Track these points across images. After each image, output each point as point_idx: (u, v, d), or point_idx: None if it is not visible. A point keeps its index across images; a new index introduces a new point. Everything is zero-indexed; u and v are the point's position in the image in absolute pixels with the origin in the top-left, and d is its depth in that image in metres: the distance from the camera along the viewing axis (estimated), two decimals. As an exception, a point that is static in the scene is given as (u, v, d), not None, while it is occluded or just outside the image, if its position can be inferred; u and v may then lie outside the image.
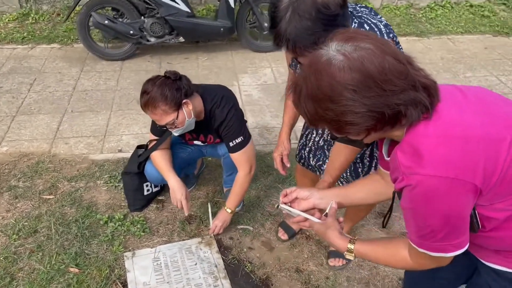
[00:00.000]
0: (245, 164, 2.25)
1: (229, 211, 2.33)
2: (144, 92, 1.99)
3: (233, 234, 2.46)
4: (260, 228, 2.50)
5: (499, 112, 1.00)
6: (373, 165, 1.97)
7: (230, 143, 2.20)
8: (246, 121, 2.38)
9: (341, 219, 1.34)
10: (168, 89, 1.96)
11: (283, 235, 2.43)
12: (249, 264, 2.27)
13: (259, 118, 3.54)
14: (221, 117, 2.16)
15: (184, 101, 2.01)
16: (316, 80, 0.98)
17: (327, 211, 1.36)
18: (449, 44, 4.94)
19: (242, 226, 2.51)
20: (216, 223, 2.34)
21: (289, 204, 1.41)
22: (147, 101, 1.97)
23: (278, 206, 1.44)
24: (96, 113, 3.59)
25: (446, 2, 5.74)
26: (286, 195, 1.42)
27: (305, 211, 1.39)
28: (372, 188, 1.39)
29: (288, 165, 2.08)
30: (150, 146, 2.33)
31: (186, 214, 2.33)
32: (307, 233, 2.48)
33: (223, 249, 2.36)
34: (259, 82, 4.12)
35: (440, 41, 4.99)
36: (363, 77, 0.93)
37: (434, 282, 1.48)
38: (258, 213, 2.61)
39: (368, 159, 1.96)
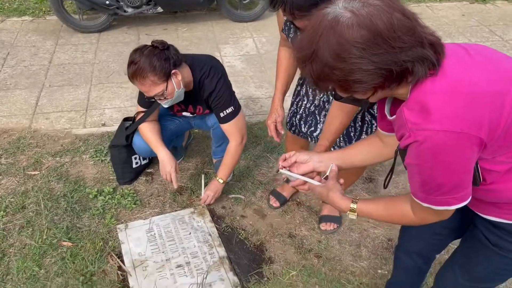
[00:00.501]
0: (237, 134, 2.24)
1: (221, 181, 2.33)
2: (131, 63, 1.93)
3: (225, 204, 2.47)
4: (251, 197, 2.53)
5: (502, 67, 1.02)
6: (364, 130, 1.99)
7: (220, 113, 2.18)
8: (234, 92, 2.36)
9: (341, 181, 1.36)
10: (157, 59, 1.91)
11: (274, 203, 2.46)
12: (242, 232, 2.30)
13: (243, 89, 3.51)
14: (211, 88, 2.14)
15: (173, 71, 1.97)
16: (323, 39, 0.97)
17: (327, 173, 1.37)
18: (428, 12, 4.98)
19: (233, 195, 2.52)
20: (208, 193, 2.35)
21: (288, 168, 1.43)
22: (135, 72, 1.91)
23: (278, 171, 1.45)
24: (76, 87, 3.49)
25: (423, -30, 5.73)
26: (285, 160, 1.42)
27: (304, 174, 1.40)
28: (371, 149, 1.41)
29: (282, 132, 2.09)
30: (137, 118, 2.29)
31: (176, 187, 2.31)
32: (298, 200, 2.52)
33: (216, 218, 2.38)
34: (241, 52, 4.07)
35: (419, 9, 5.01)
36: (371, 34, 0.93)
37: (430, 238, 1.53)
38: (249, 182, 2.62)
39: (359, 123, 1.98)
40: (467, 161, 1.00)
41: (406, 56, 0.95)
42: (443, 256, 2.03)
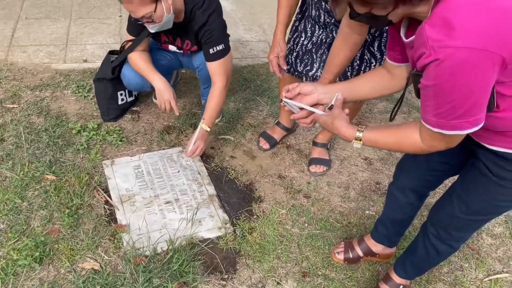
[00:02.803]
0: (223, 75, 2.12)
1: (208, 129, 2.20)
2: None
3: (214, 144, 2.43)
4: (241, 139, 2.48)
5: None
6: (362, 69, 1.95)
7: (210, 49, 2.07)
8: (226, 29, 2.26)
9: (347, 110, 1.32)
10: None
11: (264, 144, 2.43)
12: (232, 172, 2.27)
13: (232, 31, 3.37)
14: (202, 20, 2.02)
15: None
16: None
17: (332, 103, 1.33)
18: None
19: (223, 136, 2.47)
20: (199, 143, 2.21)
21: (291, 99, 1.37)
22: None
23: (281, 102, 1.39)
24: (54, 21, 3.28)
25: None
26: (288, 91, 1.37)
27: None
28: (378, 81, 1.37)
29: (285, 67, 2.02)
30: (126, 46, 2.16)
31: (177, 114, 2.20)
32: (288, 143, 2.50)
33: (205, 158, 2.34)
34: (230, -6, 3.90)
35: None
36: None
37: (426, 175, 1.54)
38: (238, 125, 2.57)
39: (357, 62, 1.94)
40: (487, 82, 0.97)
41: None
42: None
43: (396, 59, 1.28)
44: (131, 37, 2.14)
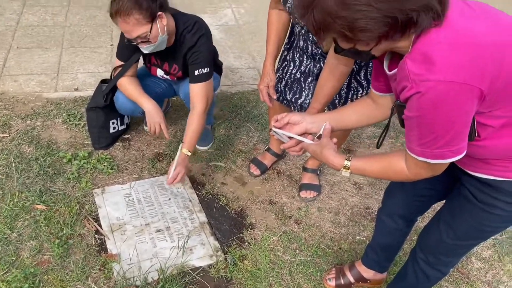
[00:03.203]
0: (203, 99, 2.10)
1: (189, 153, 2.13)
2: None
3: (205, 171, 2.44)
4: (231, 165, 2.50)
5: (501, 21, 1.04)
6: (350, 97, 2.00)
7: (195, 71, 2.07)
8: (216, 55, 2.31)
9: (335, 140, 1.36)
10: None
11: (255, 171, 2.45)
12: (223, 198, 2.28)
13: (223, 59, 3.40)
14: (191, 42, 2.05)
15: (159, 13, 1.88)
16: None
17: (320, 132, 1.37)
18: None
19: (213, 163, 2.49)
20: (179, 169, 2.10)
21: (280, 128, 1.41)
22: (119, 8, 1.80)
23: (270, 131, 1.43)
24: (46, 50, 3.32)
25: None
26: (277, 121, 1.41)
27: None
28: (364, 111, 1.41)
29: (275, 97, 2.06)
30: (115, 73, 2.19)
31: (167, 138, 2.21)
32: (278, 169, 2.53)
33: (196, 185, 2.35)
34: (219, 22, 3.99)
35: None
36: None
37: (413, 200, 1.57)
38: (229, 151, 2.60)
39: (345, 90, 1.99)
40: (467, 113, 1.01)
41: (412, 4, 0.94)
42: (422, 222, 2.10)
43: (380, 89, 1.33)
44: (120, 63, 2.17)
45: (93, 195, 2.19)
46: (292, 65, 2.08)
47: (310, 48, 1.92)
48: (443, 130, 1.03)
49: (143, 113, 2.20)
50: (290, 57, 2.08)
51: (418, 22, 0.97)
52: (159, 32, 1.91)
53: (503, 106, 1.04)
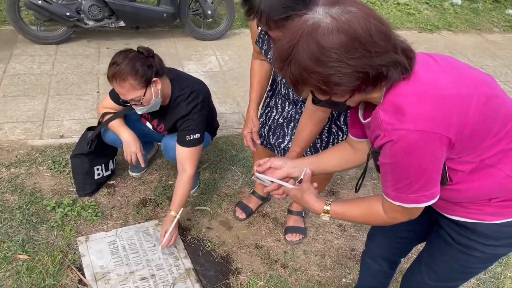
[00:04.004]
0: (193, 163, 2.13)
1: (178, 216, 2.10)
2: (113, 63, 1.90)
3: (191, 216, 2.44)
4: (217, 209, 2.51)
5: (465, 74, 1.12)
6: (331, 141, 2.06)
7: (187, 136, 2.09)
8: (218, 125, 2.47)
9: (315, 184, 1.40)
10: (140, 64, 1.90)
11: (240, 214, 2.46)
12: (209, 243, 2.28)
13: (207, 104, 3.52)
14: (185, 111, 2.10)
15: (154, 79, 1.96)
16: (303, 43, 1.02)
17: (301, 177, 1.41)
18: (381, 38, 5.26)
19: (199, 207, 2.50)
20: (173, 232, 2.11)
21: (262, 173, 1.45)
22: (115, 73, 1.88)
23: (252, 176, 1.47)
24: (32, 98, 3.36)
25: (376, 0, 6.10)
26: (260, 165, 1.45)
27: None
28: (343, 155, 1.47)
29: (258, 142, 2.11)
30: (105, 118, 2.24)
31: (143, 166, 2.28)
32: (264, 212, 2.54)
33: (181, 230, 2.34)
34: (204, 69, 4.10)
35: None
36: (350, 39, 0.98)
37: (395, 243, 1.60)
38: (214, 195, 2.61)
39: (326, 135, 2.05)
40: (437, 160, 1.07)
41: (381, 60, 1.01)
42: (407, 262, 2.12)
43: (357, 135, 1.39)
44: (110, 101, 2.23)
45: (76, 243, 2.16)
46: (275, 111, 2.15)
47: (291, 95, 2.00)
48: (416, 176, 1.08)
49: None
50: (273, 103, 2.15)
51: (388, 76, 1.04)
52: (153, 96, 1.99)
53: (472, 152, 1.11)
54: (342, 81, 1.02)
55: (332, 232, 2.45)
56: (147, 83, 1.93)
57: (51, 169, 2.64)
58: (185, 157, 2.12)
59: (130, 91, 1.93)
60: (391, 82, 1.06)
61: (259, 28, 1.76)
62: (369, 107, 1.21)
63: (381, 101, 1.10)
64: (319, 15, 1.02)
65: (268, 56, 1.90)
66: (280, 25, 1.49)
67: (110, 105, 2.25)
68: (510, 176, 1.15)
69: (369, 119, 1.16)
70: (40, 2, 3.80)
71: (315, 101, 1.18)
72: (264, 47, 1.89)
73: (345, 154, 1.47)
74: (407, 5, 6.13)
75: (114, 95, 2.20)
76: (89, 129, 2.45)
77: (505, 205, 1.20)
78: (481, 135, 1.08)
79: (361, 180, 1.36)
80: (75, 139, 2.74)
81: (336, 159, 1.48)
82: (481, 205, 1.21)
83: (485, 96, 1.07)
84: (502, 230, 1.22)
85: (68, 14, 3.94)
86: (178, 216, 2.09)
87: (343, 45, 0.99)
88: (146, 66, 1.92)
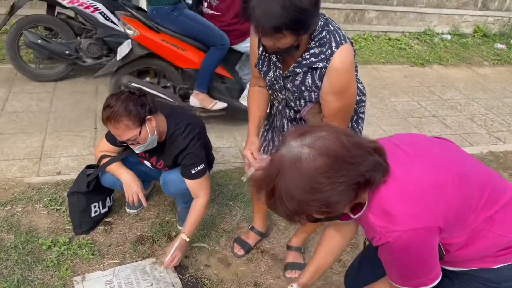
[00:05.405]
0: (206, 190, 2.21)
1: (188, 239, 2.21)
2: (107, 106, 1.94)
3: (189, 253, 2.41)
4: (215, 245, 2.49)
5: (434, 157, 1.19)
6: None
7: (192, 170, 2.14)
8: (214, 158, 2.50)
9: None
10: (133, 104, 1.94)
11: (239, 251, 2.43)
12: (207, 282, 2.24)
13: (204, 139, 3.55)
14: (183, 145, 2.13)
15: (148, 117, 1.99)
16: (292, 179, 1.05)
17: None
18: (374, 73, 5.38)
19: (197, 244, 2.47)
20: (177, 253, 2.18)
21: None
22: (109, 115, 1.92)
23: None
24: (29, 135, 3.37)
25: (368, 35, 6.27)
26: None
27: None
28: (334, 246, 1.58)
29: (258, 158, 2.04)
30: (102, 162, 2.24)
31: (145, 206, 2.32)
32: (263, 248, 2.52)
33: (179, 268, 2.30)
34: (201, 104, 4.14)
35: (366, 70, 5.41)
36: (334, 160, 1.04)
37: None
38: (212, 231, 2.59)
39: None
40: (433, 247, 1.14)
41: (365, 166, 1.06)
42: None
43: (344, 219, 1.42)
44: (107, 144, 2.25)
45: (72, 284, 2.12)
46: (271, 145, 2.17)
47: (286, 128, 2.02)
48: (417, 265, 1.15)
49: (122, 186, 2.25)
50: (270, 137, 2.18)
51: (370, 180, 1.08)
52: (149, 134, 2.02)
53: (461, 229, 1.18)
54: (341, 198, 1.07)
55: (331, 268, 2.41)
56: (141, 122, 1.96)
57: (47, 207, 2.62)
58: (196, 187, 2.19)
59: (125, 132, 1.95)
60: (375, 185, 1.10)
61: (260, 49, 1.79)
62: (356, 204, 1.23)
63: (366, 203, 1.15)
64: (295, 147, 1.06)
65: (267, 78, 1.88)
66: (273, 35, 1.52)
67: (106, 148, 2.27)
68: (500, 234, 1.21)
69: (360, 213, 1.20)
70: (39, 41, 3.88)
71: (312, 220, 1.19)
72: (264, 68, 1.88)
73: (336, 244, 1.57)
74: (399, 40, 6.31)
75: (110, 137, 2.23)
76: (88, 167, 2.45)
77: (499, 254, 1.25)
78: (465, 214, 1.15)
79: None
80: (73, 176, 2.74)
81: (331, 253, 1.59)
82: (478, 259, 1.27)
83: (457, 177, 1.14)
84: (502, 273, 1.27)
85: (67, 52, 4.01)
86: (181, 236, 2.18)
87: (329, 167, 1.03)
88: (139, 105, 1.96)
